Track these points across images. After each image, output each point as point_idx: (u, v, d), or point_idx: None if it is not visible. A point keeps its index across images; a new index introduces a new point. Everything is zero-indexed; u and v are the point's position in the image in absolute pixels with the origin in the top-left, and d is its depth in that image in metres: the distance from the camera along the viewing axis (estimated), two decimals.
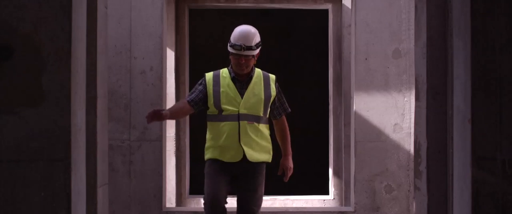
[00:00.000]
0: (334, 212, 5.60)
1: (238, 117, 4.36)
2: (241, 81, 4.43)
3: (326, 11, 6.31)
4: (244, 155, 4.33)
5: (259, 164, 4.38)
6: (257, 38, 4.40)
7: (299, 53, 8.75)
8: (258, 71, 4.50)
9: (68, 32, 2.69)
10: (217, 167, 4.37)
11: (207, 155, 4.45)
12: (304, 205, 6.14)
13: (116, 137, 5.42)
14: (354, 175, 5.54)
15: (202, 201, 6.17)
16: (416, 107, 3.38)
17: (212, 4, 6.12)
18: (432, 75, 3.18)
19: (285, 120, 4.55)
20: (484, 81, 2.76)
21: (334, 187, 6.17)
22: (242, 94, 4.40)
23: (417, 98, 3.35)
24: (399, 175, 5.50)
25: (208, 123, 4.46)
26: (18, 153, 2.66)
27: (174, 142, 5.99)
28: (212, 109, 4.40)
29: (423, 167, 3.24)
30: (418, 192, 3.32)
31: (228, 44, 4.40)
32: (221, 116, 4.39)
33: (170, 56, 5.97)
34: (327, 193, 6.37)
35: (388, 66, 5.48)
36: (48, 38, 2.67)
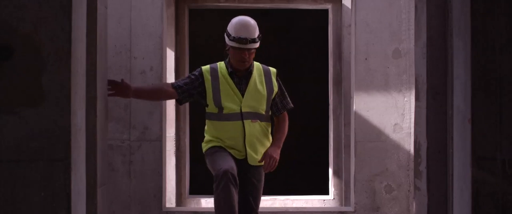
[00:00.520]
0: (334, 212, 5.60)
1: (241, 116, 4.19)
2: (240, 76, 4.23)
3: (326, 11, 6.31)
4: (247, 157, 4.21)
5: (260, 165, 4.25)
6: (257, 30, 4.22)
7: (299, 53, 8.75)
8: (257, 65, 4.31)
9: (68, 32, 2.69)
10: (223, 150, 4.21)
11: (210, 144, 4.27)
12: (304, 205, 6.14)
13: (116, 137, 5.42)
14: (354, 175, 5.54)
15: (202, 201, 6.20)
16: (416, 107, 3.38)
17: (212, 4, 6.12)
18: (432, 75, 3.18)
19: (286, 116, 4.40)
20: (484, 81, 2.76)
21: (334, 187, 6.17)
22: (241, 91, 4.21)
23: (417, 98, 3.35)
24: (399, 175, 5.50)
25: (208, 122, 4.31)
26: (18, 153, 2.66)
27: (174, 142, 5.99)
28: (211, 106, 4.22)
29: (423, 167, 3.24)
30: (418, 192, 3.32)
31: (228, 38, 4.19)
32: (222, 114, 4.20)
33: (170, 56, 5.97)
34: (327, 193, 6.37)
35: (388, 66, 5.48)
36: (48, 38, 2.67)
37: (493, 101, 2.74)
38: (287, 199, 6.26)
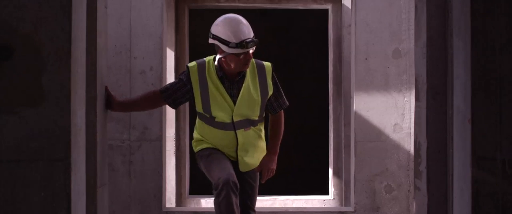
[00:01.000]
0: (334, 212, 5.60)
1: (233, 126, 3.90)
2: (231, 80, 3.87)
3: (326, 11, 6.30)
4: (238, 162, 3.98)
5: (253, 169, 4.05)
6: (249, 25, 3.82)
7: (299, 53, 8.75)
8: (251, 64, 3.92)
9: (68, 32, 2.69)
10: (217, 151, 3.97)
11: (202, 145, 4.03)
12: (304, 205, 6.14)
13: (116, 137, 5.41)
14: (354, 175, 5.54)
15: (202, 201, 6.19)
16: (416, 107, 3.37)
17: (212, 4, 6.12)
18: (432, 75, 3.18)
19: (282, 115, 4.08)
20: (484, 81, 2.76)
21: (334, 187, 6.17)
22: (233, 97, 3.87)
23: (417, 98, 3.35)
24: (399, 175, 5.50)
25: (199, 121, 4.05)
26: (18, 153, 2.66)
27: (174, 142, 5.99)
28: (201, 111, 3.94)
29: (423, 167, 3.24)
30: (418, 192, 3.32)
31: (226, 46, 3.74)
32: (213, 121, 3.92)
33: (170, 56, 5.97)
34: (327, 193, 6.36)
35: (388, 66, 5.48)
36: (48, 38, 2.67)
37: (493, 101, 2.74)
38: (287, 199, 6.26)
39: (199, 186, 6.48)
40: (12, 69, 2.66)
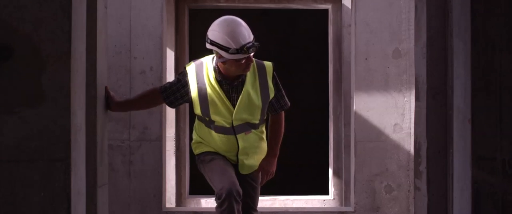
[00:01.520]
0: (334, 212, 5.60)
1: (233, 130, 3.80)
2: (231, 84, 3.74)
3: (326, 11, 6.30)
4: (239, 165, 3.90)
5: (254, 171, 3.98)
6: (248, 28, 3.66)
7: (299, 53, 8.75)
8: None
9: (68, 32, 2.68)
10: (218, 156, 3.87)
11: (201, 149, 3.94)
12: (304, 205, 6.14)
13: (116, 137, 5.41)
14: (354, 175, 5.54)
15: (202, 201, 6.19)
16: (416, 107, 3.37)
17: (212, 4, 6.12)
18: (432, 75, 3.18)
19: (282, 116, 3.97)
20: (484, 81, 2.76)
21: (334, 187, 6.17)
22: (233, 100, 3.74)
23: (417, 98, 3.35)
24: (399, 175, 5.50)
25: (198, 122, 3.96)
26: (18, 153, 2.66)
27: (174, 142, 5.99)
28: (199, 114, 3.84)
29: (423, 167, 3.24)
30: (418, 192, 3.32)
31: (226, 52, 3.58)
32: (213, 125, 3.82)
33: (170, 56, 5.97)
34: (327, 193, 6.36)
35: (388, 66, 5.48)
36: (48, 38, 2.67)
37: (493, 102, 2.73)
38: (287, 199, 6.26)
39: (199, 186, 6.48)
40: (12, 69, 2.66)
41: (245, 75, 3.76)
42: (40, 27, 2.67)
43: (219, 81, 3.75)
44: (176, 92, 3.82)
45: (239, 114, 3.77)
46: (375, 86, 5.48)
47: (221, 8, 6.22)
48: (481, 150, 2.76)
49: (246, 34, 3.60)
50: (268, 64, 3.85)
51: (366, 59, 5.48)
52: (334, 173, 6.16)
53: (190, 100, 3.84)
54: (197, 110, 3.82)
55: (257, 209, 4.13)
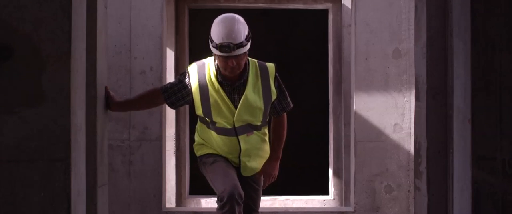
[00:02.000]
0: (334, 212, 5.60)
1: (235, 132, 3.78)
2: (232, 84, 3.72)
3: (326, 11, 6.30)
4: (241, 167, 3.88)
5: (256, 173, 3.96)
6: (245, 30, 3.61)
7: (299, 53, 8.75)
8: (253, 66, 3.76)
9: (68, 32, 2.68)
10: (221, 158, 3.85)
11: (203, 151, 3.92)
12: (304, 205, 6.14)
13: (116, 137, 5.41)
14: (354, 175, 5.54)
15: (202, 201, 6.19)
16: (416, 107, 3.37)
17: (212, 4, 6.12)
18: (432, 75, 3.18)
19: (285, 118, 3.97)
20: (484, 81, 2.76)
21: (334, 187, 6.17)
22: (234, 102, 3.72)
23: (417, 98, 3.35)
24: (399, 175, 5.50)
25: (200, 124, 3.96)
26: (18, 153, 2.66)
27: (174, 142, 5.99)
28: (201, 115, 3.84)
29: (423, 167, 3.24)
30: (418, 192, 3.32)
31: (211, 44, 3.61)
32: (214, 127, 3.80)
33: (170, 56, 5.97)
34: (327, 193, 6.36)
35: (388, 66, 5.48)
36: (48, 38, 2.67)
37: (493, 102, 2.73)
38: (287, 199, 6.26)
39: (199, 186, 6.48)
40: (12, 69, 2.66)
41: (247, 77, 3.74)
42: (40, 27, 2.67)
43: (220, 82, 3.73)
44: (177, 92, 3.80)
45: (240, 115, 3.75)
46: (375, 86, 5.48)
47: (221, 8, 6.21)
48: (481, 150, 2.76)
49: (232, 35, 3.56)
50: (270, 65, 3.83)
51: (366, 59, 5.48)
52: (334, 173, 6.16)
53: (191, 102, 3.82)
54: (199, 111, 3.81)
55: (259, 210, 4.13)
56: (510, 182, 2.68)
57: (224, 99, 3.73)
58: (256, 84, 3.76)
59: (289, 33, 8.72)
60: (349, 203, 5.81)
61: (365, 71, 5.47)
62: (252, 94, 3.74)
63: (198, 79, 3.74)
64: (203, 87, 3.73)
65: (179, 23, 6.10)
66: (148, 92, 3.96)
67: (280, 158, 4.02)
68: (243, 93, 3.74)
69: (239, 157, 3.89)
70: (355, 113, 5.51)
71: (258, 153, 3.92)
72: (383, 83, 5.48)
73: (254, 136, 3.86)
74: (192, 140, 6.30)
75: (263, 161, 3.97)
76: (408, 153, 5.47)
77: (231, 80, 3.72)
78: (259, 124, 3.84)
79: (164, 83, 5.38)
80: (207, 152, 3.92)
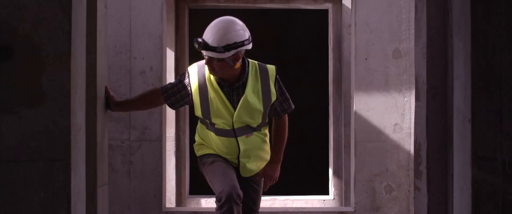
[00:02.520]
0: (334, 212, 5.60)
1: (234, 133, 3.79)
2: (231, 85, 3.72)
3: (326, 11, 6.30)
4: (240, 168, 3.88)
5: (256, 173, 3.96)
6: (232, 38, 3.55)
7: (299, 53, 8.75)
8: (252, 67, 3.76)
9: (68, 32, 2.68)
10: (220, 158, 3.86)
11: (203, 151, 3.93)
12: (304, 205, 6.14)
13: (116, 137, 5.41)
14: (354, 175, 5.54)
15: (202, 201, 6.19)
16: (416, 107, 3.37)
17: (212, 4, 6.12)
18: (432, 75, 3.18)
19: (286, 119, 3.97)
20: (484, 81, 2.75)
21: (334, 187, 6.17)
22: (233, 103, 3.72)
23: (417, 98, 3.35)
24: (399, 175, 5.50)
25: (201, 125, 3.97)
26: (18, 153, 2.66)
27: (174, 142, 5.99)
28: (200, 116, 3.84)
29: (423, 167, 3.24)
30: (418, 192, 3.32)
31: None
32: (213, 128, 3.81)
33: (170, 56, 5.97)
34: (327, 193, 6.36)
35: (388, 66, 5.48)
36: (48, 38, 2.67)
37: (493, 101, 2.73)
38: (287, 199, 6.26)
39: (199, 186, 6.48)
40: (12, 69, 2.66)
41: (247, 78, 3.73)
42: (40, 27, 2.67)
43: (219, 83, 3.74)
44: (177, 93, 3.80)
45: (239, 117, 3.75)
46: (375, 86, 5.48)
47: (221, 8, 6.22)
48: (481, 150, 2.75)
49: (214, 36, 3.57)
50: (271, 67, 3.82)
51: (366, 59, 5.48)
52: (334, 173, 6.16)
53: (191, 103, 3.82)
54: (198, 112, 3.81)
55: (259, 210, 4.13)
56: (510, 182, 2.68)
57: (223, 100, 3.73)
58: (256, 86, 3.76)
59: (289, 33, 8.72)
60: (349, 203, 5.81)
61: (365, 71, 5.47)
62: (251, 96, 3.74)
63: (198, 79, 3.75)
64: (202, 88, 3.73)
65: (179, 23, 6.10)
66: (148, 93, 3.96)
67: (281, 160, 4.02)
68: (242, 94, 3.74)
69: (238, 158, 3.89)
70: (355, 112, 5.51)
71: (258, 153, 3.92)
72: (383, 83, 5.48)
73: (254, 137, 3.87)
74: (192, 140, 6.30)
75: (264, 162, 3.97)
76: (408, 153, 5.47)
77: (229, 81, 3.72)
78: (258, 125, 3.84)
79: (164, 84, 5.38)
80: (207, 152, 3.93)
